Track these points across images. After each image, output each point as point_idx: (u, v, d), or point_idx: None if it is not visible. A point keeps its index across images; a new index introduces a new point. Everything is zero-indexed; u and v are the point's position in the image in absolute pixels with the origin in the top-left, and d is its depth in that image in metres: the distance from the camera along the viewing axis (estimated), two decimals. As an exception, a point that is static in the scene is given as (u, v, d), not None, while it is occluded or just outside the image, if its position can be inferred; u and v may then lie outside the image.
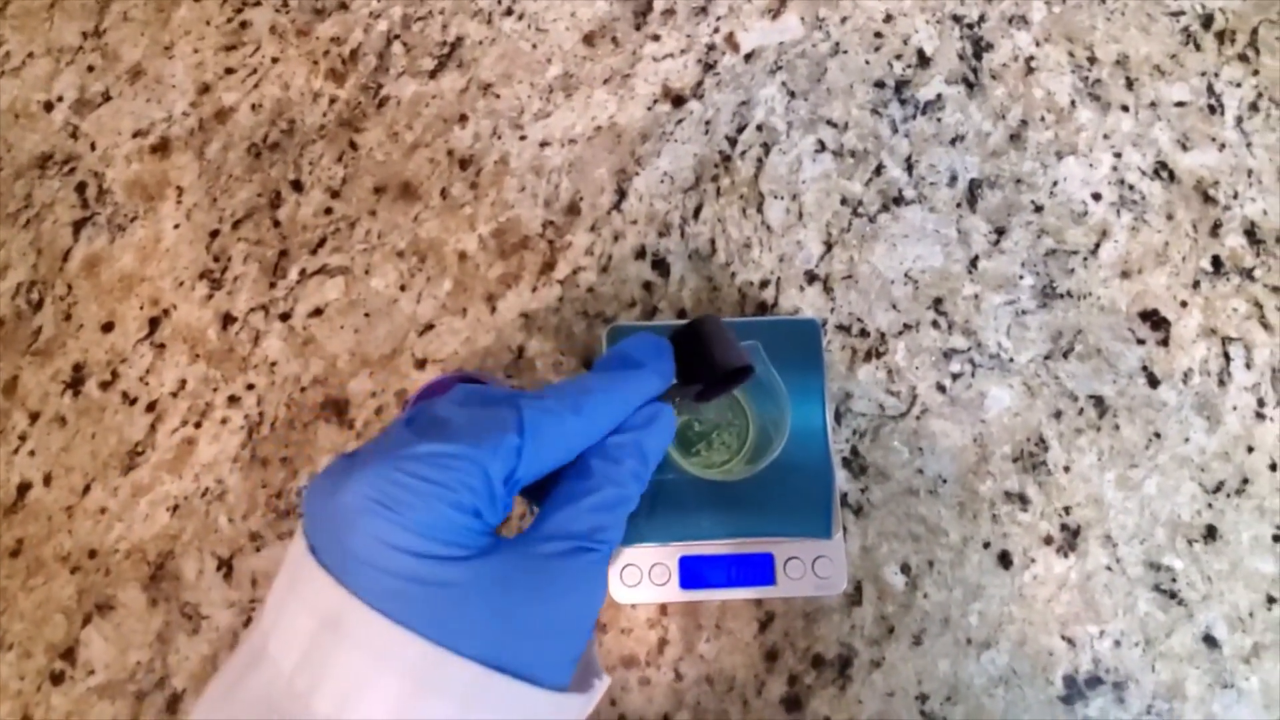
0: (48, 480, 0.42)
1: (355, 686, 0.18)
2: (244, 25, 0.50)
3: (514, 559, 0.21)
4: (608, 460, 0.23)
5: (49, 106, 0.49)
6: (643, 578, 0.38)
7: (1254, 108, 0.47)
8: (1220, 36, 0.48)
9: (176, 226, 0.46)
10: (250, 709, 0.19)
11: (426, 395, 0.38)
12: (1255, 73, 0.48)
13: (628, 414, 0.24)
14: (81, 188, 0.47)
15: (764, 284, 0.44)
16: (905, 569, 0.40)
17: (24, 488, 0.42)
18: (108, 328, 0.45)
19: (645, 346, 0.25)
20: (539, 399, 0.22)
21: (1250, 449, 0.42)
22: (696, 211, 0.46)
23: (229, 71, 0.49)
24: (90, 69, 0.50)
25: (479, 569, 0.20)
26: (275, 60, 0.49)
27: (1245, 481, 0.41)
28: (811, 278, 0.45)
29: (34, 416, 0.43)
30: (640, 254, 0.45)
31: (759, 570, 0.38)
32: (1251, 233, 0.45)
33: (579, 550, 0.21)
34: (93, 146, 0.48)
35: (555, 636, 0.21)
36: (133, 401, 0.43)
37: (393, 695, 0.18)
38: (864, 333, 0.44)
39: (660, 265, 0.45)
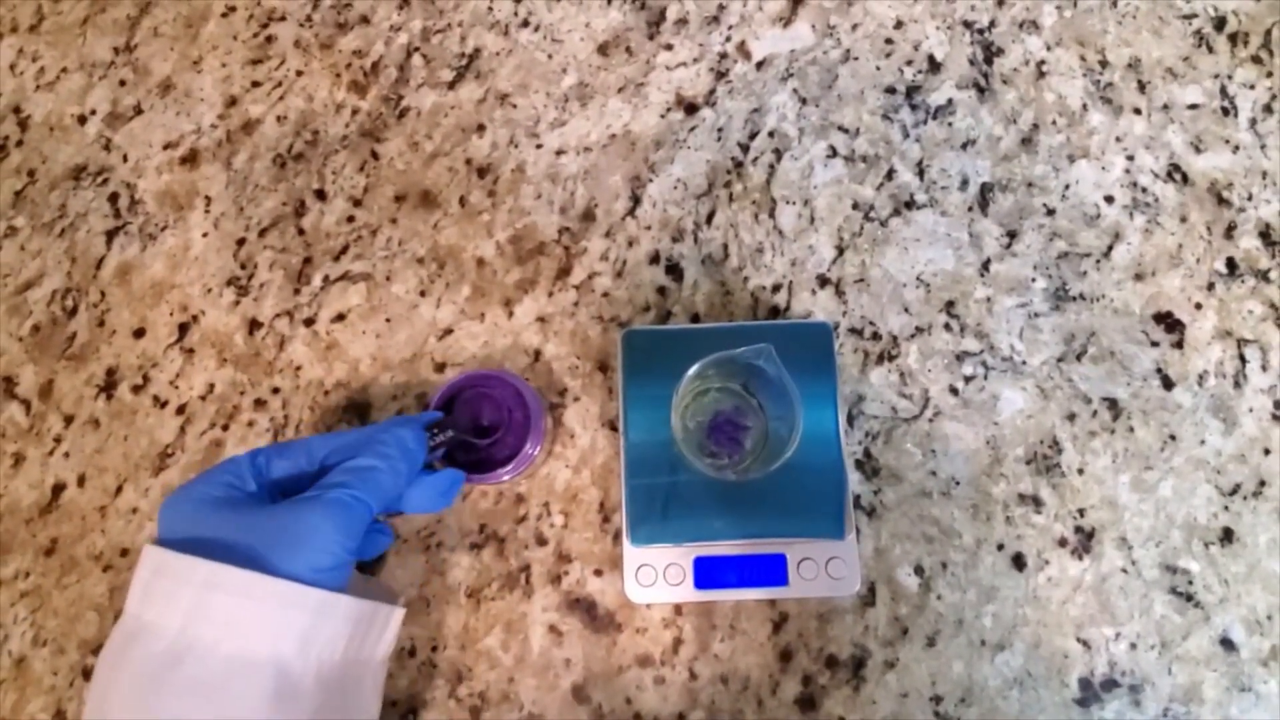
0: (81, 481, 0.44)
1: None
2: (269, 40, 0.51)
3: (286, 504, 0.30)
4: (372, 445, 0.32)
5: (82, 120, 0.51)
6: (658, 578, 0.39)
7: (1268, 110, 0.47)
8: (1233, 39, 0.48)
9: (205, 235, 0.48)
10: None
11: (448, 395, 0.39)
12: (1269, 75, 0.48)
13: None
14: (114, 198, 0.49)
15: (776, 288, 0.45)
16: (919, 570, 0.40)
17: (59, 488, 0.44)
18: (139, 333, 0.46)
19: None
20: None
21: (1267, 451, 0.42)
22: (709, 217, 0.46)
23: (255, 85, 0.51)
24: (122, 83, 0.51)
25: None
26: (299, 73, 0.51)
27: (1262, 484, 0.41)
28: (823, 281, 0.45)
29: (68, 419, 0.45)
30: (654, 259, 0.46)
31: (772, 571, 0.39)
32: (1266, 235, 0.45)
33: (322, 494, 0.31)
34: (125, 158, 0.50)
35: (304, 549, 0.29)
36: (163, 405, 0.45)
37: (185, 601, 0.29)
38: (876, 336, 0.44)
39: (674, 270, 0.46)
